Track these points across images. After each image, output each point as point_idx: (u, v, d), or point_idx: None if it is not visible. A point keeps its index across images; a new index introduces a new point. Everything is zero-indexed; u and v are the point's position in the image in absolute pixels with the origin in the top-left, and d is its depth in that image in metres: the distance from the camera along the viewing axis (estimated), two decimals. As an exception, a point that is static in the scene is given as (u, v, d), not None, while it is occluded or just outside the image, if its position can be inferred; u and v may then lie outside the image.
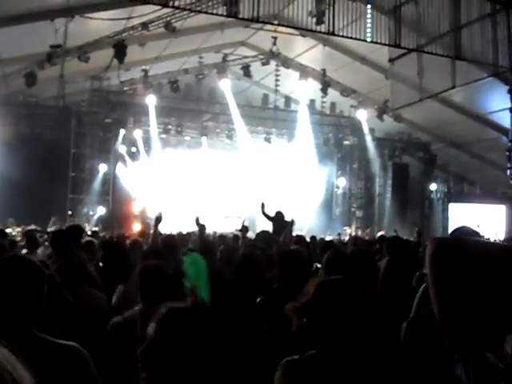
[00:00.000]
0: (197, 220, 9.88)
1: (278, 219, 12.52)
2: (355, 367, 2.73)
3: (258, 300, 5.04)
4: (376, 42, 15.01)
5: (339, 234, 21.62)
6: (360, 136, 26.21)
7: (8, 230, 13.24)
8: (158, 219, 8.05)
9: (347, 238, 18.71)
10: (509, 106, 18.27)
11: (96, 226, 20.56)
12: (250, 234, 12.02)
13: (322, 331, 2.74)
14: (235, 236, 11.41)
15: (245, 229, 9.67)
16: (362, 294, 2.85)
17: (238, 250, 8.21)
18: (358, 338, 2.77)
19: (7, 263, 2.77)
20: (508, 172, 19.40)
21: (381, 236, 13.18)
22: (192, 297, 3.26)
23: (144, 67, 21.69)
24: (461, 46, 15.15)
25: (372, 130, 25.91)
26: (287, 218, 12.95)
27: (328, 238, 17.42)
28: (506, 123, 19.11)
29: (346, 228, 25.52)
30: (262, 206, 11.79)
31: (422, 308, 4.09)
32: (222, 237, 12.09)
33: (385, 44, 14.98)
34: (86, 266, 5.50)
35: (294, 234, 12.80)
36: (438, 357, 2.46)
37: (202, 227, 9.74)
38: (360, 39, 14.77)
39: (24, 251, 8.19)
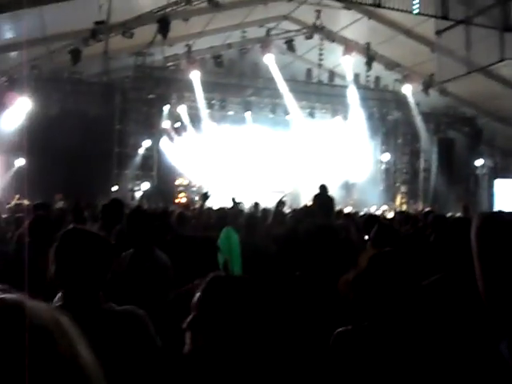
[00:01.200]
0: (233, 200, 9.91)
1: (321, 193, 12.47)
2: (408, 340, 2.72)
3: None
4: (423, 14, 14.76)
5: (382, 210, 21.54)
6: (405, 110, 25.90)
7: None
8: (206, 196, 8.11)
9: (391, 213, 18.65)
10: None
11: (140, 201, 20.76)
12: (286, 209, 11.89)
13: (374, 303, 2.74)
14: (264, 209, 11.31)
15: (281, 204, 9.56)
16: (412, 266, 2.84)
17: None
18: (409, 310, 2.76)
19: (75, 235, 2.85)
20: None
21: (426, 212, 13.01)
22: (225, 269, 3.27)
23: (187, 42, 21.66)
24: (509, 18, 14.82)
25: (417, 105, 25.58)
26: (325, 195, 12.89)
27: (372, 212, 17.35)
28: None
29: (390, 203, 25.32)
30: (281, 203, 10.78)
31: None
32: (266, 211, 12.05)
33: (432, 16, 14.71)
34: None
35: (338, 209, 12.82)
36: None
37: (256, 205, 9.67)
38: (406, 11, 14.54)
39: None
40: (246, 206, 15.08)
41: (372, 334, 2.75)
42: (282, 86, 23.51)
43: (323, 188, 12.55)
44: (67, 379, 0.91)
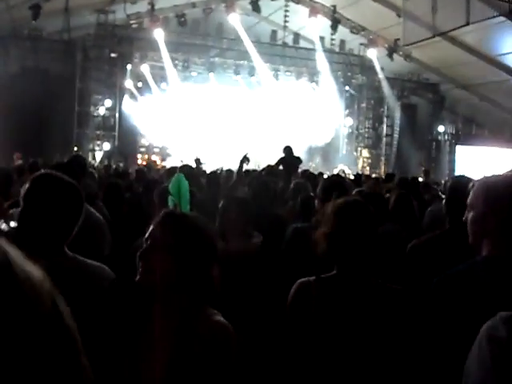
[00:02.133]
0: (197, 160, 9.89)
1: (287, 155, 12.42)
2: (368, 290, 2.72)
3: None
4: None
5: (343, 171, 21.56)
6: (369, 75, 25.96)
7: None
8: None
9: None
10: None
11: (101, 161, 20.59)
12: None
13: (339, 252, 2.73)
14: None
15: (245, 160, 9.46)
16: (374, 214, 2.85)
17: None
18: (371, 261, 2.77)
19: (47, 180, 2.75)
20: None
21: (388, 174, 13.11)
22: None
23: (150, 0, 21.24)
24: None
25: (381, 70, 25.64)
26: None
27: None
28: (517, 65, 18.84)
29: (352, 167, 25.41)
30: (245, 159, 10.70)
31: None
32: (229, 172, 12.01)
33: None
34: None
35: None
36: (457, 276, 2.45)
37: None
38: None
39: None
40: (210, 166, 14.98)
41: (333, 285, 2.75)
42: (247, 47, 23.28)
43: (288, 149, 12.50)
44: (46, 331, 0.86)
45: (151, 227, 2.36)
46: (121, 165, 18.16)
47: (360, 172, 21.95)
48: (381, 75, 25.56)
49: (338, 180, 5.63)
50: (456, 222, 3.56)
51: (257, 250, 4.41)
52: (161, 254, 2.26)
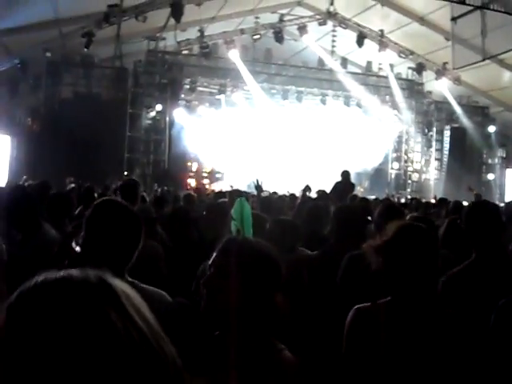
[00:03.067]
0: (258, 185, 9.96)
1: (344, 179, 12.37)
2: (427, 316, 2.67)
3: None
4: (441, -1, 14.70)
5: (393, 196, 21.42)
6: (417, 99, 25.79)
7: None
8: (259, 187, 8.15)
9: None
10: None
11: (151, 185, 20.76)
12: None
13: (398, 275, 2.68)
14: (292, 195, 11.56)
15: (307, 188, 9.61)
16: (439, 242, 2.82)
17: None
18: (433, 287, 2.72)
19: (109, 207, 2.83)
20: None
21: (441, 198, 12.96)
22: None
23: (200, 27, 21.55)
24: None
25: (429, 93, 25.51)
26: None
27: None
28: None
29: (401, 191, 25.25)
30: (308, 188, 10.96)
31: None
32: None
33: (449, 0, 14.63)
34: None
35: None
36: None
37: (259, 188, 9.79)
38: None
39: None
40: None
41: (394, 311, 2.70)
42: (294, 72, 23.46)
43: (346, 174, 12.43)
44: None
45: (214, 254, 2.34)
46: (170, 189, 18.32)
47: (409, 196, 21.78)
48: (428, 99, 25.48)
49: (392, 204, 5.64)
50: (482, 250, 3.58)
51: (309, 258, 4.41)
52: (224, 281, 2.22)
